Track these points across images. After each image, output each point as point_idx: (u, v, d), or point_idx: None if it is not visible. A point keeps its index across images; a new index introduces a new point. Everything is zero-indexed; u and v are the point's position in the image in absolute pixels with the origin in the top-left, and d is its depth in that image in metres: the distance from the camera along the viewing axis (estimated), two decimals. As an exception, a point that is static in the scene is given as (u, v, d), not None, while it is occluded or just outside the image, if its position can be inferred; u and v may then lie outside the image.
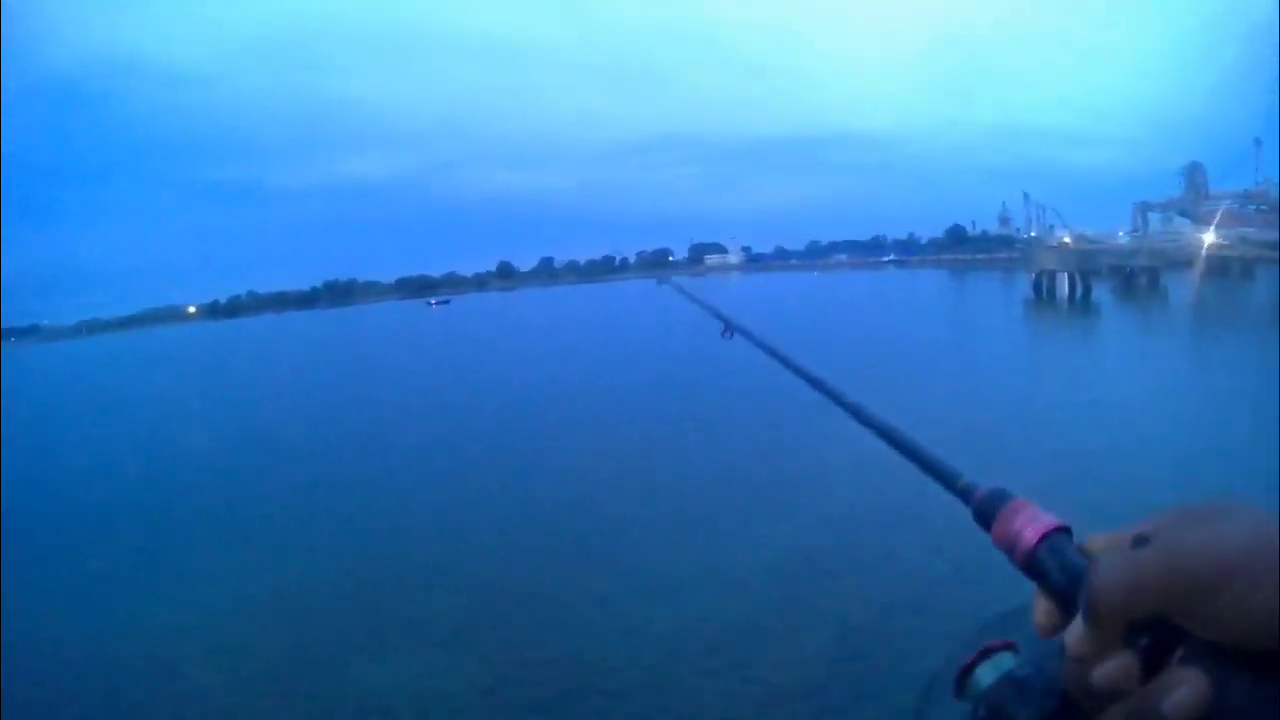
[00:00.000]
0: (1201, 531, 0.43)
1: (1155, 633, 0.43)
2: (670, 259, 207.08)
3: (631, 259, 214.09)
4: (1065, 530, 0.50)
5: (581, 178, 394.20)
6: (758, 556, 8.65)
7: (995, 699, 0.54)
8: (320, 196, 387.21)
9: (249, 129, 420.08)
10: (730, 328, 1.54)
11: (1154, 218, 66.87)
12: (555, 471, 13.22)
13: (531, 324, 61.57)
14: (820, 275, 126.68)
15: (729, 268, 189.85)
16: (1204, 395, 15.15)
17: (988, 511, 0.54)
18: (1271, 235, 43.77)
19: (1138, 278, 46.86)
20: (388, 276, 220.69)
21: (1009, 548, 0.51)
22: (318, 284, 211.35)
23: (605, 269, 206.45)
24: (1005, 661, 0.56)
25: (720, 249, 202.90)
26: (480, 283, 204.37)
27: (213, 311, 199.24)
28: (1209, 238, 48.68)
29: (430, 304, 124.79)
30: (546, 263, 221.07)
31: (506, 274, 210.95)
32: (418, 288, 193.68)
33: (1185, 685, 0.41)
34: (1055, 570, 0.48)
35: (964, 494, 0.57)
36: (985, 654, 0.57)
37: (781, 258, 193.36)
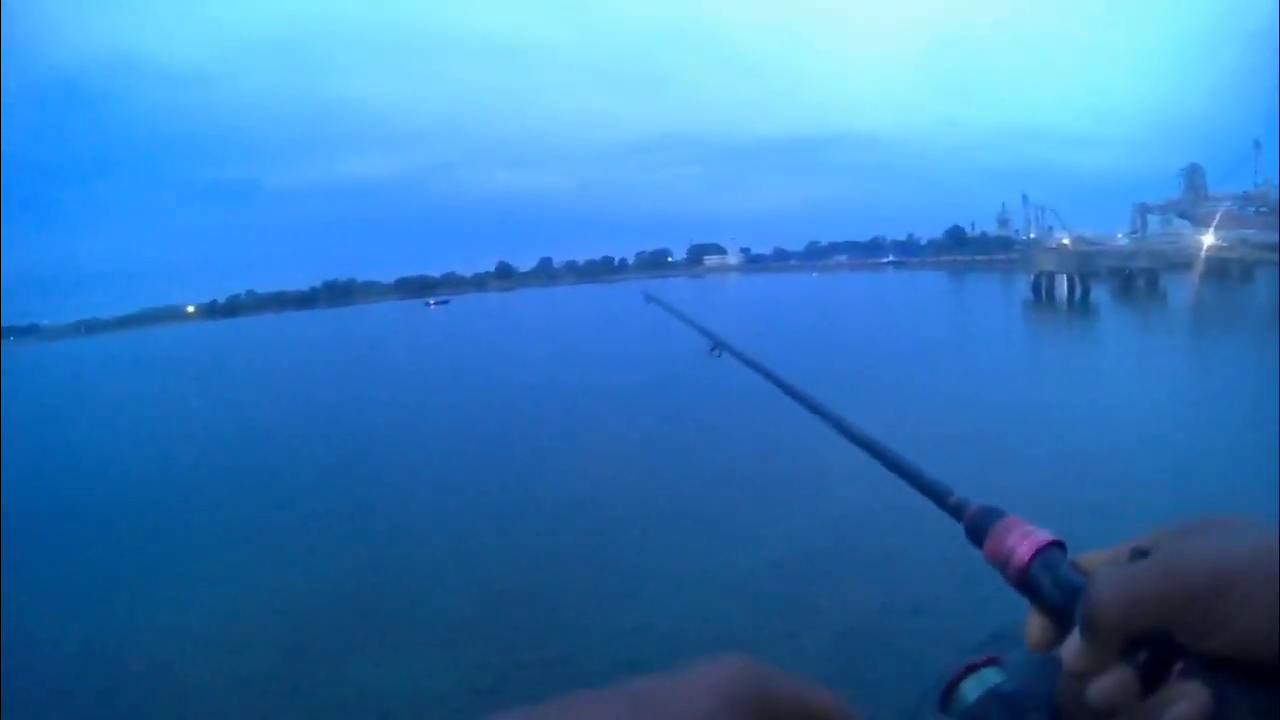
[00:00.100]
0: (1201, 544, 0.43)
1: (1153, 649, 0.43)
2: (669, 260, 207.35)
3: (630, 260, 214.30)
4: (1059, 545, 0.50)
5: (581, 178, 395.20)
6: (758, 557, 8.65)
7: (980, 714, 0.54)
8: (320, 196, 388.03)
9: (249, 129, 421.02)
10: (718, 345, 1.53)
11: (1153, 219, 67.08)
12: (554, 471, 13.22)
13: (530, 324, 61.61)
14: (819, 276, 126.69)
15: (728, 269, 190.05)
16: (1203, 398, 15.13)
17: (980, 528, 0.53)
18: (1271, 237, 43.85)
19: (1137, 279, 46.84)
20: (387, 277, 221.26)
21: (1001, 564, 0.50)
22: (317, 284, 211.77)
23: (604, 269, 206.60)
24: (991, 677, 0.56)
25: (719, 250, 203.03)
26: (479, 283, 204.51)
27: (212, 311, 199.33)
28: (1208, 239, 48.75)
29: (429, 304, 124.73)
30: (545, 263, 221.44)
31: (505, 274, 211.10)
32: (417, 288, 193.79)
33: (1186, 699, 0.40)
34: (1049, 586, 0.48)
35: (955, 511, 0.57)
36: (970, 670, 0.57)
37: (781, 259, 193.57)
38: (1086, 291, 43.65)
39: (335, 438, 18.56)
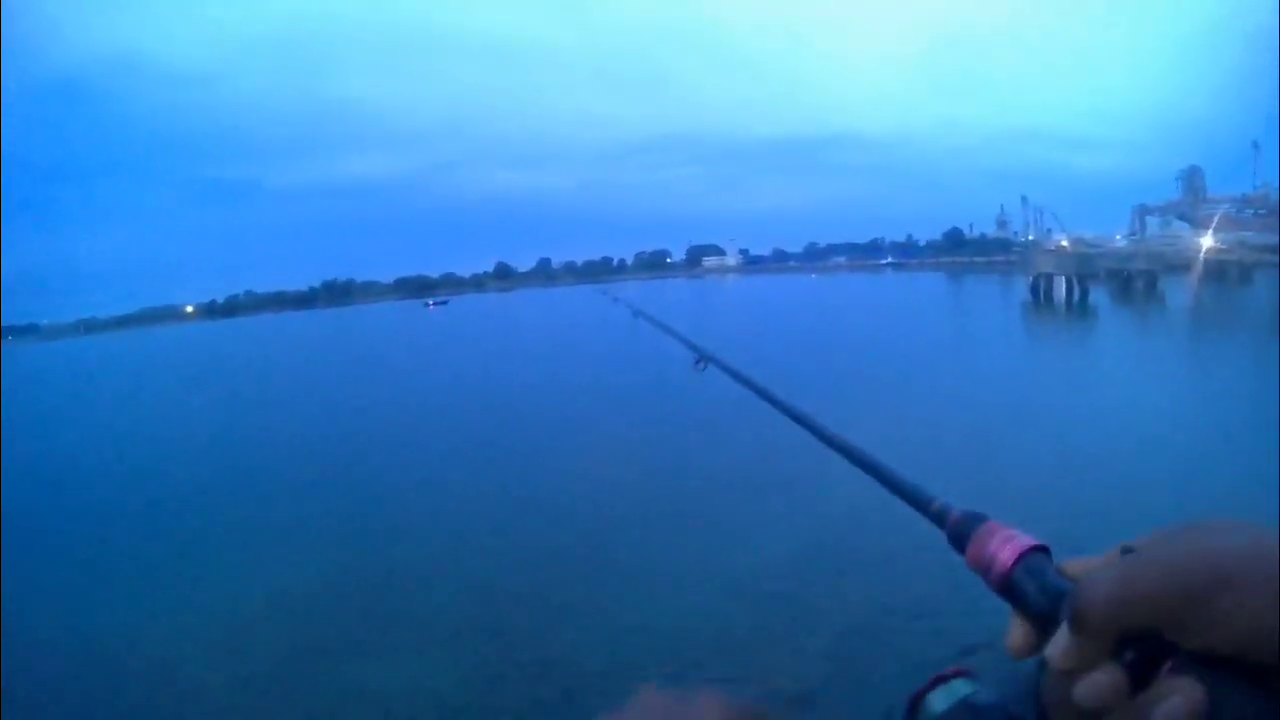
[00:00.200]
0: (1193, 542, 0.42)
1: (1141, 647, 0.42)
2: (668, 260, 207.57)
3: (629, 260, 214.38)
4: (1043, 550, 0.49)
5: (580, 178, 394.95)
6: (757, 557, 8.66)
7: None
8: (319, 196, 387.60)
9: (248, 128, 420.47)
10: (703, 358, 1.54)
11: (1152, 221, 67.25)
12: (553, 471, 13.22)
13: (529, 324, 61.61)
14: (818, 277, 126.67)
15: (726, 270, 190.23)
16: (1202, 400, 15.15)
17: (962, 534, 0.53)
18: (1270, 239, 43.97)
19: (1135, 281, 46.85)
20: (386, 277, 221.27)
21: (984, 570, 0.50)
22: (316, 284, 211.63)
23: (603, 270, 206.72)
24: (960, 688, 0.55)
25: (718, 251, 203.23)
26: (478, 283, 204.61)
27: (210, 311, 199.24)
28: (1207, 242, 48.88)
29: (428, 304, 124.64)
30: (544, 264, 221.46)
31: (504, 275, 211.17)
32: (416, 288, 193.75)
33: (1179, 695, 0.39)
34: (1033, 591, 0.47)
35: (938, 517, 0.56)
36: (939, 681, 0.56)
37: (779, 260, 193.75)
38: (1085, 293, 43.66)
39: (334, 438, 18.56)
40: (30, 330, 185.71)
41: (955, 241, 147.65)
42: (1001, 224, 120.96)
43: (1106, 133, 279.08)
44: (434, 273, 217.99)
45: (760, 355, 25.75)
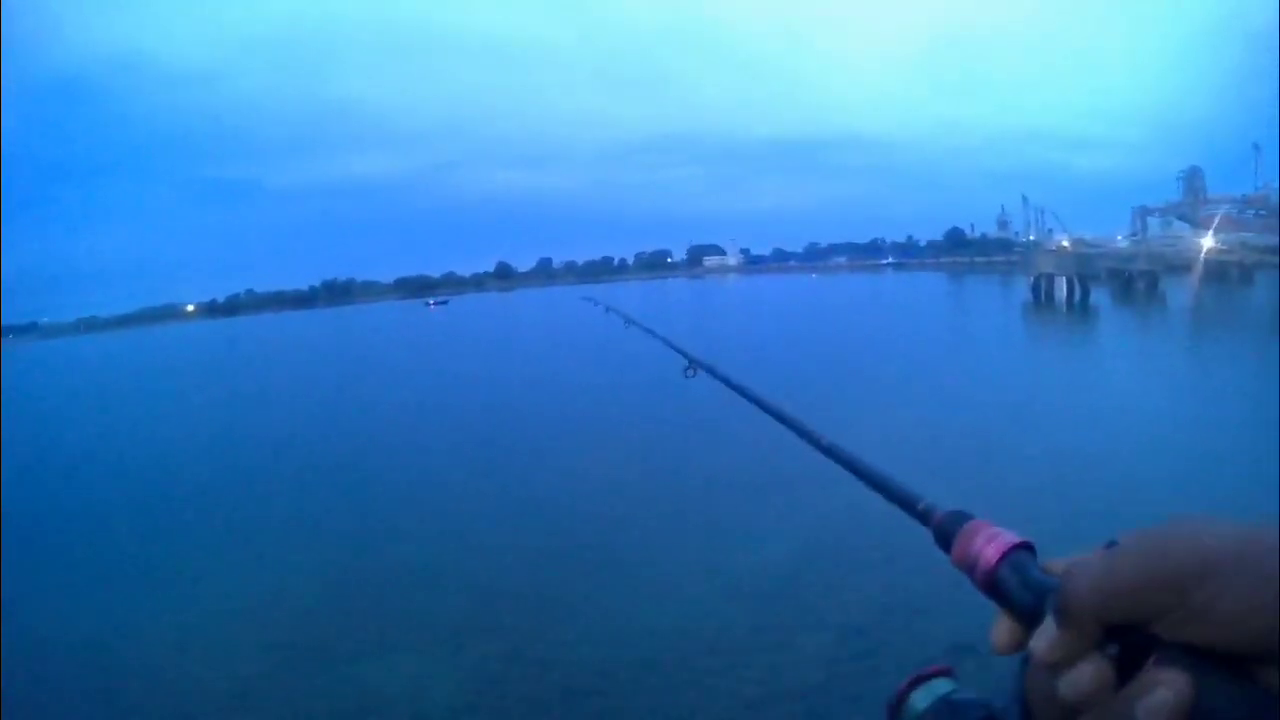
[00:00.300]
0: (1176, 534, 0.42)
1: (1126, 640, 0.42)
2: (669, 260, 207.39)
3: (630, 260, 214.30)
4: (1028, 547, 0.49)
5: (581, 178, 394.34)
6: (758, 557, 8.67)
7: None
8: (319, 196, 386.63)
9: (249, 128, 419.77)
10: (694, 364, 1.52)
11: (1153, 222, 67.23)
12: (553, 471, 13.23)
13: (529, 323, 61.61)
14: (819, 277, 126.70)
15: (727, 269, 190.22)
16: (1203, 401, 15.15)
17: (947, 533, 0.53)
18: (1271, 240, 43.96)
19: (1136, 282, 46.84)
20: (386, 276, 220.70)
21: (969, 568, 0.50)
22: (316, 283, 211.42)
23: (604, 270, 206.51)
24: (941, 687, 0.55)
25: (719, 251, 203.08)
26: (479, 283, 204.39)
27: (211, 310, 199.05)
28: (1208, 242, 48.88)
29: (428, 304, 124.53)
30: (545, 263, 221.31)
31: (505, 274, 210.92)
32: (416, 288, 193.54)
33: (1164, 687, 0.39)
34: (1018, 587, 0.47)
35: (923, 517, 0.57)
36: (920, 680, 0.56)
37: (780, 259, 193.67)
38: (1086, 294, 43.64)
39: (335, 437, 18.58)
40: (31, 329, 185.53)
41: (956, 242, 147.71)
42: (1002, 224, 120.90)
43: (1106, 133, 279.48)
44: (435, 272, 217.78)
45: (762, 356, 25.78)
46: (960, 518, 0.53)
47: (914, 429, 13.58)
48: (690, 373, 1.57)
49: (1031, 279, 48.07)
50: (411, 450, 16.18)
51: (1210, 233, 49.99)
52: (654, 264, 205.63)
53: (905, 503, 0.60)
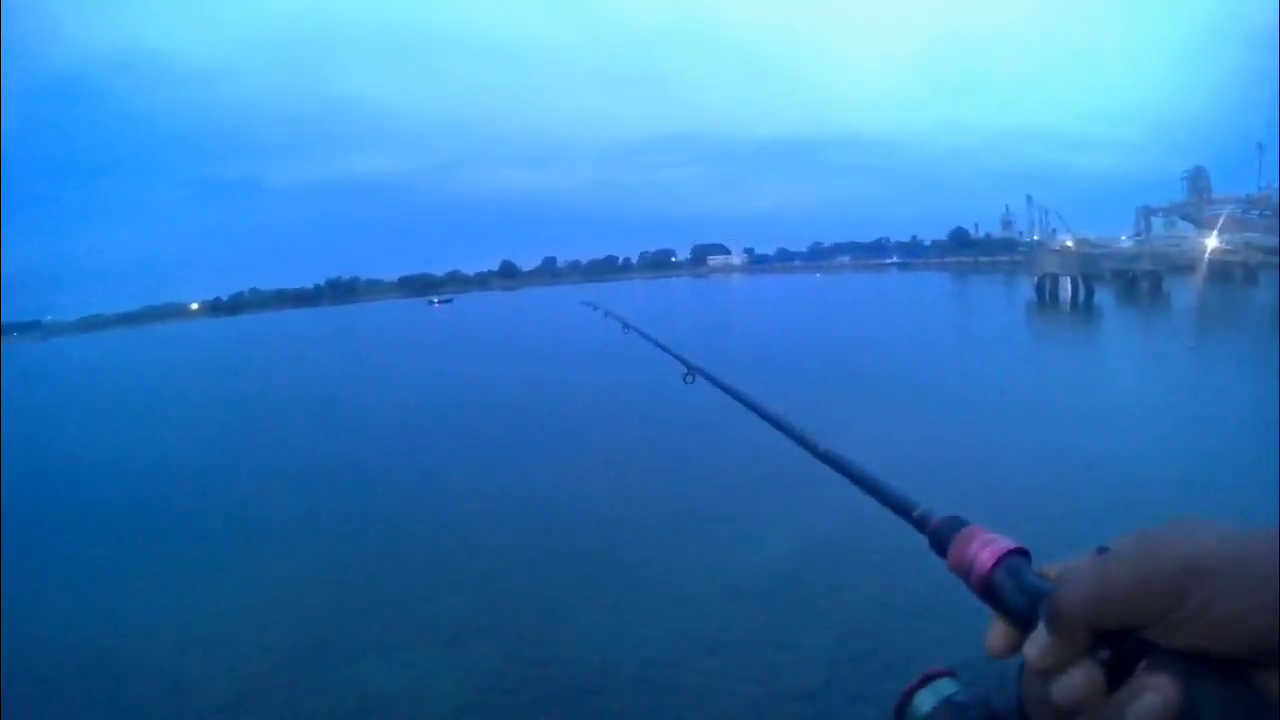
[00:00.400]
0: (1165, 540, 0.43)
1: (1117, 645, 0.43)
2: (673, 259, 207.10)
3: (634, 259, 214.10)
4: (1023, 553, 0.50)
5: (584, 178, 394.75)
6: (759, 557, 8.67)
7: None
8: (323, 194, 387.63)
9: (252, 126, 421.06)
10: (693, 371, 1.52)
11: (1157, 222, 66.86)
12: (555, 472, 13.23)
13: (532, 323, 61.58)
14: (823, 277, 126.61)
15: (731, 269, 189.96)
16: (1207, 401, 15.12)
17: (942, 539, 0.54)
18: (1275, 240, 43.71)
19: (1140, 282, 46.75)
20: (390, 275, 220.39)
21: (964, 573, 0.51)
22: (320, 282, 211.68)
23: (608, 269, 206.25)
24: (945, 687, 0.56)
25: (723, 250, 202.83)
26: (483, 282, 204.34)
27: (215, 308, 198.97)
28: (1212, 242, 48.69)
29: (432, 302, 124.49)
30: (549, 262, 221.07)
31: (509, 273, 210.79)
32: (420, 286, 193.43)
33: (1153, 691, 0.40)
34: (1012, 592, 0.48)
35: (919, 523, 0.57)
36: (925, 680, 0.57)
37: (784, 259, 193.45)
38: (1090, 293, 43.61)
39: (336, 437, 18.59)
40: (34, 327, 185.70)
41: (960, 241, 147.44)
42: (1006, 224, 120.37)
43: (1107, 133, 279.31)
44: (439, 271, 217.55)
45: (767, 355, 25.79)
46: (955, 523, 0.54)
47: (920, 429, 13.58)
48: (689, 379, 1.57)
49: (1036, 279, 48.05)
50: (413, 451, 16.18)
51: (1214, 233, 49.76)
52: (658, 263, 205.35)
53: (901, 509, 0.60)
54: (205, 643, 7.74)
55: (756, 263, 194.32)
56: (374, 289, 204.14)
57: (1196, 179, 65.83)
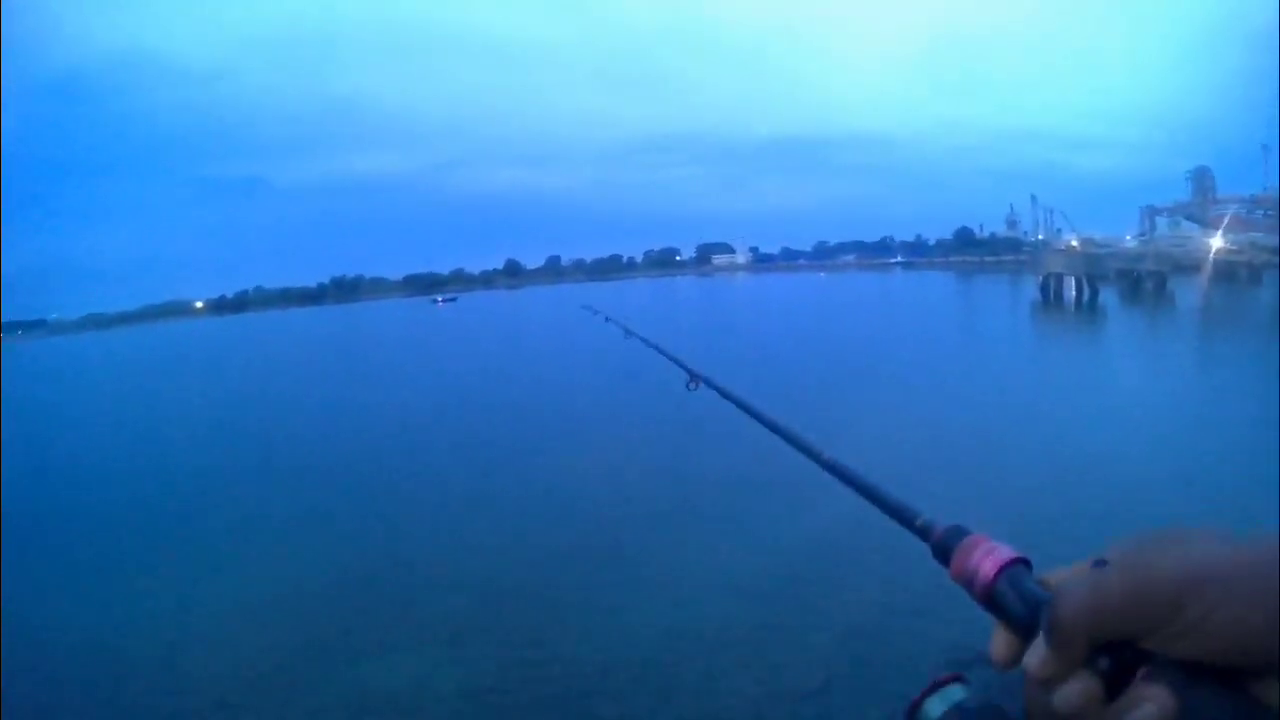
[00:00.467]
0: (1163, 550, 0.43)
1: (1116, 655, 0.43)
2: (677, 258, 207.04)
3: (639, 258, 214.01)
4: (1024, 562, 0.50)
5: (588, 177, 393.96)
6: (760, 557, 8.67)
7: None
8: (327, 193, 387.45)
9: (255, 125, 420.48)
10: (696, 378, 1.54)
11: (1161, 222, 66.85)
12: (556, 470, 13.24)
13: (536, 321, 61.62)
14: (828, 276, 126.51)
15: (736, 268, 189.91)
16: (1211, 401, 15.10)
17: (945, 548, 0.54)
18: (1279, 240, 43.61)
19: (1145, 282, 46.70)
20: (395, 273, 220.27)
21: (967, 582, 0.51)
22: (324, 280, 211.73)
23: (613, 268, 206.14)
24: (955, 693, 0.56)
25: (728, 249, 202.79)
26: (487, 280, 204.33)
27: (219, 307, 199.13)
28: (1216, 242, 48.62)
29: (437, 301, 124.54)
30: (554, 261, 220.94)
31: (514, 272, 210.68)
32: (425, 285, 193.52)
33: (1150, 701, 0.40)
34: (1015, 602, 0.48)
35: (922, 532, 0.58)
36: (935, 687, 0.57)
37: (789, 258, 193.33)
38: (1095, 293, 43.55)
39: (339, 435, 18.62)
40: (38, 325, 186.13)
41: (965, 241, 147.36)
42: (1011, 224, 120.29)
43: (1108, 133, 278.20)
44: (443, 270, 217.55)
45: (772, 354, 25.78)
46: (958, 533, 0.54)
47: (925, 429, 13.57)
48: (693, 386, 1.58)
49: (1040, 279, 48.05)
50: (414, 450, 16.21)
51: (1219, 233, 49.70)
52: (663, 262, 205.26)
53: (904, 518, 0.61)
54: (206, 642, 7.75)
55: (761, 262, 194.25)
56: (379, 287, 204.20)
57: (1201, 179, 65.72)
